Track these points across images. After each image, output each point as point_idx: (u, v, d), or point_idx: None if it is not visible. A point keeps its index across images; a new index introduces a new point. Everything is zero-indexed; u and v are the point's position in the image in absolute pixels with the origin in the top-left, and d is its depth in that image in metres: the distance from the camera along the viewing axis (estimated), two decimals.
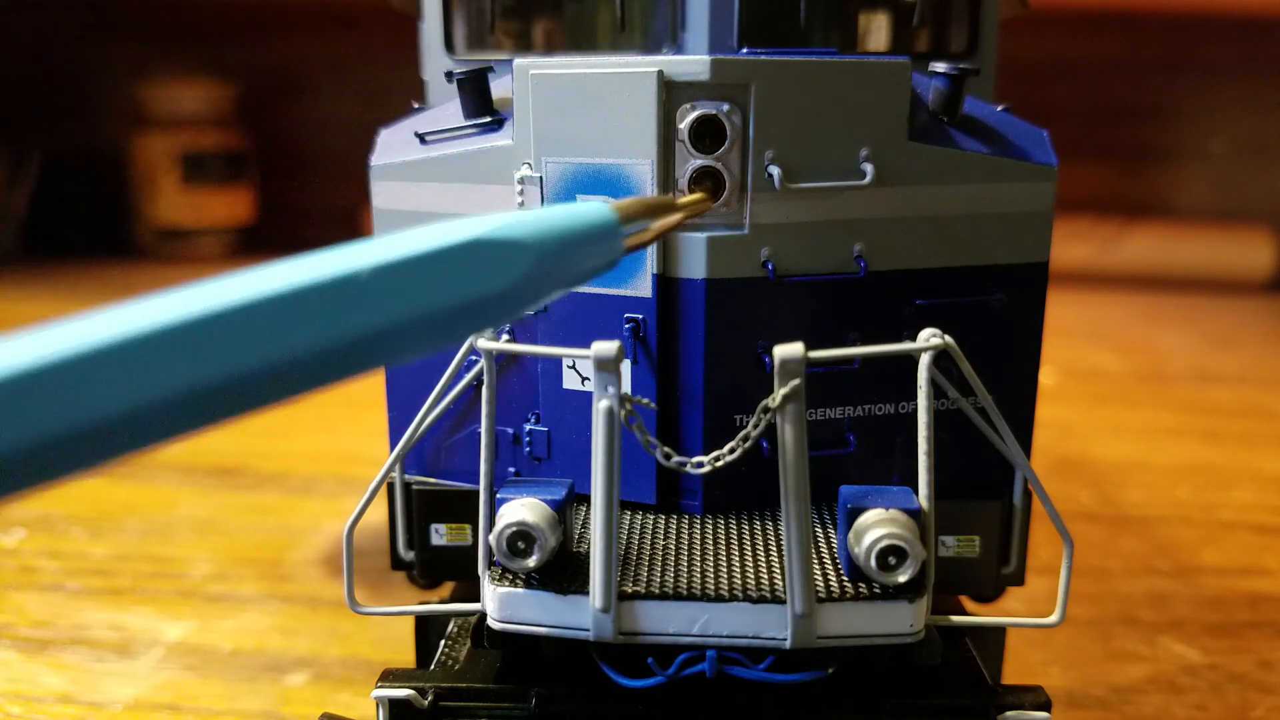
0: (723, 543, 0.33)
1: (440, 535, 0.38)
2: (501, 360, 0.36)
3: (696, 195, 0.27)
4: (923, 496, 0.30)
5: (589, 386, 0.34)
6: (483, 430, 0.32)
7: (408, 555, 0.38)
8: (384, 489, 0.37)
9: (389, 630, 0.53)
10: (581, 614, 0.29)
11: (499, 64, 0.37)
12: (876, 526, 0.29)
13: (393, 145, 0.38)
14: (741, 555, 0.32)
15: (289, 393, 0.15)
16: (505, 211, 0.19)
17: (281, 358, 0.15)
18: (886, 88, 0.33)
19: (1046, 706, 0.31)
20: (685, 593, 0.29)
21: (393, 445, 0.36)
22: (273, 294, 0.15)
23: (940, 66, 0.35)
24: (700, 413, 0.34)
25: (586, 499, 0.31)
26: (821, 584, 0.29)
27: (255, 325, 0.15)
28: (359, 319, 0.16)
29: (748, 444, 0.30)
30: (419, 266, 0.17)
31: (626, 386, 0.34)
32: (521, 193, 0.34)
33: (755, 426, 0.29)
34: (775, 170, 0.32)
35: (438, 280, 0.17)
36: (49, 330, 0.13)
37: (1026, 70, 1.02)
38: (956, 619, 0.32)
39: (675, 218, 0.25)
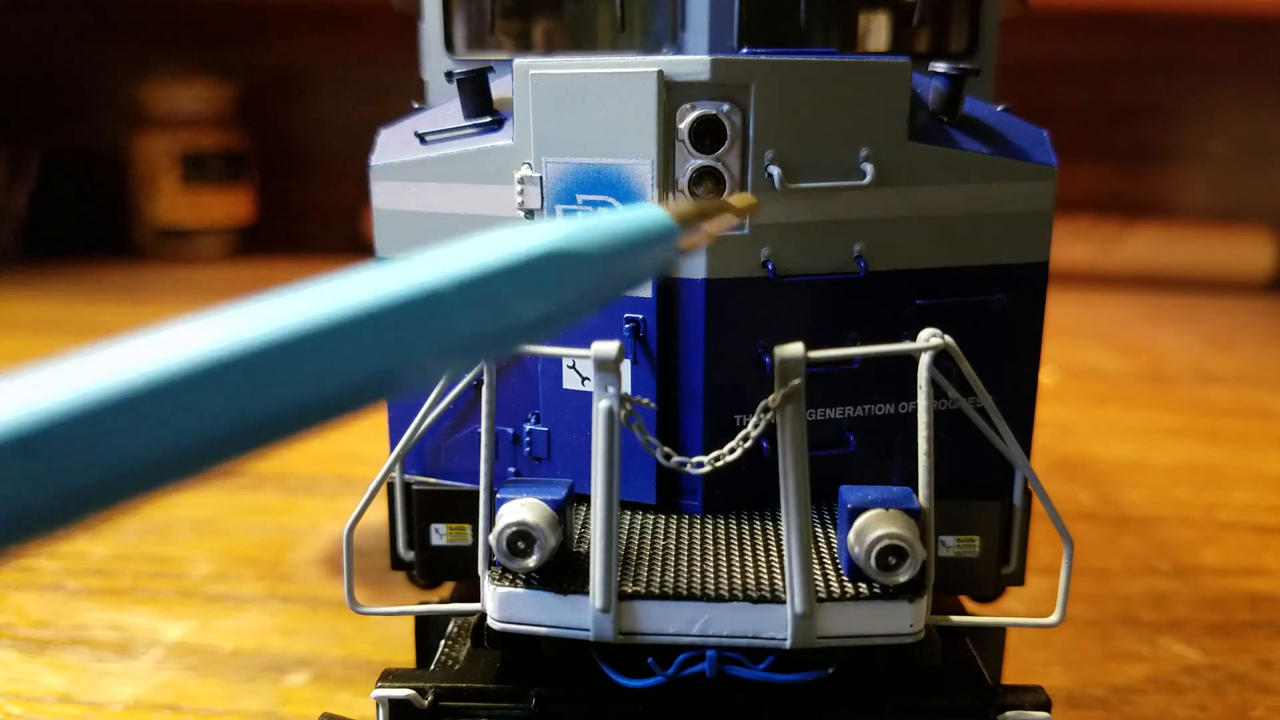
0: (723, 543, 0.33)
1: (440, 535, 0.38)
2: (501, 360, 0.36)
3: (749, 199, 0.27)
4: (923, 496, 0.30)
5: (589, 386, 0.34)
6: (483, 430, 0.32)
7: (408, 555, 0.38)
8: (384, 489, 0.37)
9: (389, 630, 0.53)
10: (581, 614, 0.29)
11: (499, 64, 0.37)
12: (876, 526, 0.29)
13: (393, 145, 0.38)
14: (741, 555, 0.32)
15: (358, 407, 0.15)
16: (562, 220, 0.19)
17: (357, 377, 0.15)
18: (886, 88, 0.33)
19: (1046, 706, 0.31)
20: (685, 593, 0.29)
21: (393, 445, 0.36)
22: (356, 312, 0.15)
23: (940, 66, 0.35)
24: (700, 413, 0.34)
25: (586, 499, 0.31)
26: (821, 584, 0.29)
27: (340, 345, 0.14)
28: (438, 334, 0.16)
29: (748, 444, 0.30)
30: (493, 281, 0.16)
31: (626, 386, 0.34)
32: (521, 193, 0.34)
33: (755, 426, 0.29)
34: (775, 170, 0.32)
35: (510, 294, 0.17)
36: (120, 349, 0.13)
37: (1026, 70, 1.02)
38: (956, 619, 0.32)
39: (729, 219, 0.25)
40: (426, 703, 0.32)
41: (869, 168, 0.33)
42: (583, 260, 0.18)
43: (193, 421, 0.13)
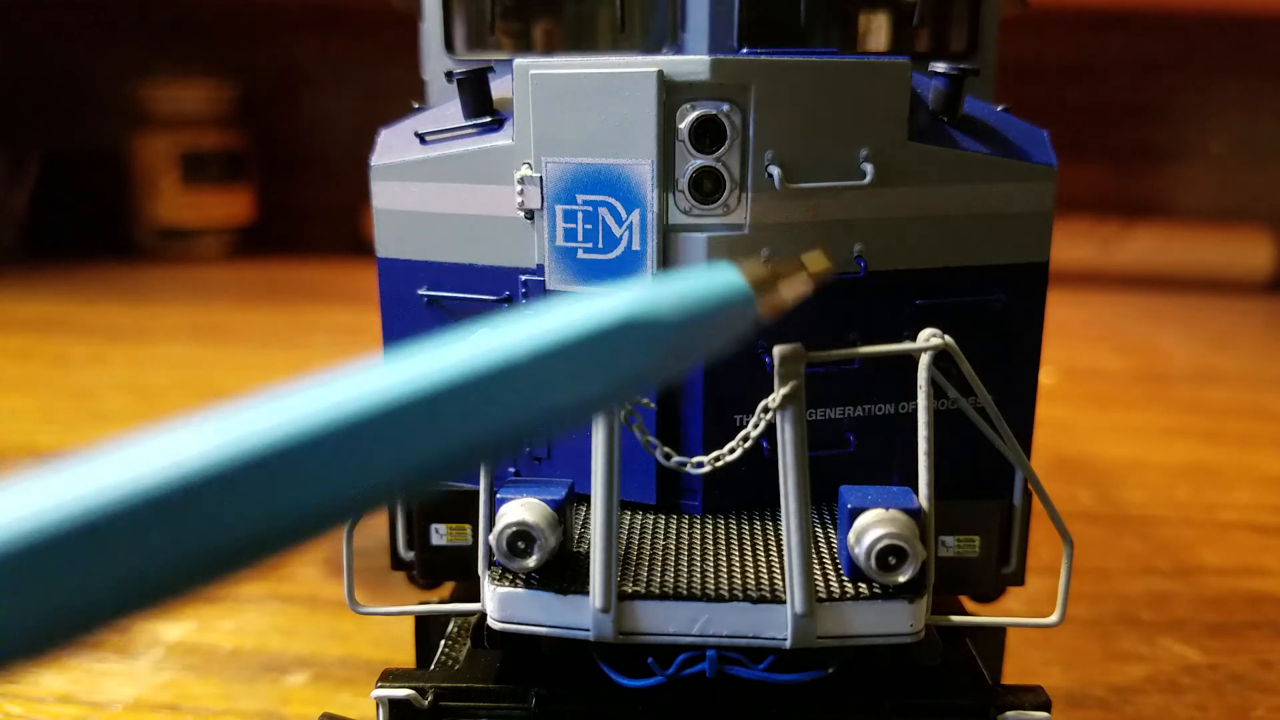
0: (723, 543, 0.33)
1: (440, 535, 0.38)
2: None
3: (822, 259, 0.27)
4: (923, 496, 0.30)
5: None
6: None
7: (408, 555, 0.38)
8: None
9: (389, 630, 0.53)
10: (581, 614, 0.29)
11: (499, 64, 0.37)
12: (876, 526, 0.29)
13: (393, 145, 0.38)
14: (741, 555, 0.32)
15: (420, 488, 0.14)
16: (635, 286, 0.18)
17: (424, 458, 0.14)
18: (886, 88, 0.33)
19: (1046, 706, 0.31)
20: (685, 593, 0.29)
21: None
22: (430, 387, 0.14)
23: (940, 66, 0.35)
24: (700, 413, 0.34)
25: (586, 499, 0.31)
26: (821, 584, 0.29)
27: (415, 422, 0.14)
28: (515, 408, 0.15)
29: (748, 444, 0.30)
30: (568, 350, 0.16)
31: None
32: (522, 193, 0.34)
33: (755, 426, 0.29)
34: (775, 170, 0.32)
35: (586, 362, 0.16)
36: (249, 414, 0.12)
37: (1026, 70, 1.02)
38: (956, 619, 0.32)
39: (805, 282, 0.25)
40: (426, 703, 0.32)
41: (869, 168, 0.33)
42: (656, 328, 0.17)
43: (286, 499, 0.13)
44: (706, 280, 0.20)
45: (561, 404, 0.16)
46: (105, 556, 0.11)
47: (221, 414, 0.13)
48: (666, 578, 0.30)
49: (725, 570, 0.31)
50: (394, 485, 0.14)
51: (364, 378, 0.14)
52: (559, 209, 0.33)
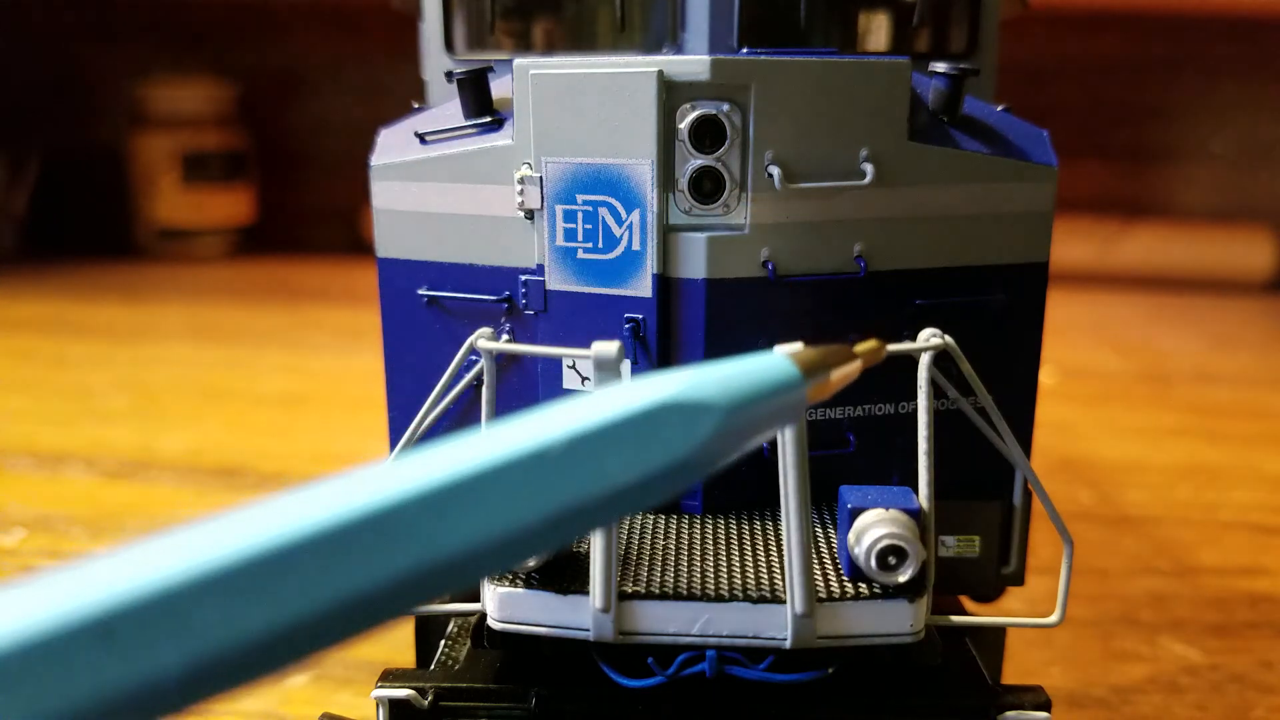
0: (723, 543, 0.33)
1: None
2: (501, 360, 0.36)
3: (872, 343, 0.27)
4: (923, 496, 0.30)
5: (589, 386, 0.34)
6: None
7: None
8: None
9: (389, 630, 0.53)
10: (581, 614, 0.29)
11: (499, 64, 0.37)
12: (876, 526, 0.29)
13: (393, 145, 0.38)
14: (741, 555, 0.32)
15: (464, 583, 0.14)
16: (682, 370, 0.18)
17: (465, 546, 0.14)
18: (886, 88, 0.33)
19: (1046, 706, 0.31)
20: (685, 593, 0.29)
21: (393, 445, 0.36)
22: (460, 475, 0.14)
23: (940, 66, 0.35)
24: None
25: None
26: (821, 584, 0.29)
27: (443, 512, 0.13)
28: (551, 495, 0.15)
29: None
30: (608, 435, 0.15)
31: None
32: (522, 193, 0.34)
33: None
34: (775, 170, 0.32)
35: (627, 448, 0.16)
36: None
37: (1026, 70, 1.02)
38: (956, 619, 0.32)
39: (855, 367, 0.25)
40: (426, 703, 0.32)
41: (869, 168, 0.33)
42: (702, 411, 0.17)
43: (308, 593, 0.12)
44: (755, 364, 0.19)
45: (598, 494, 0.15)
46: (116, 658, 0.11)
47: (233, 514, 0.13)
48: (666, 578, 0.30)
49: (725, 570, 0.31)
50: (389, 601, 0.13)
51: (365, 479, 0.13)
52: (559, 209, 0.33)
